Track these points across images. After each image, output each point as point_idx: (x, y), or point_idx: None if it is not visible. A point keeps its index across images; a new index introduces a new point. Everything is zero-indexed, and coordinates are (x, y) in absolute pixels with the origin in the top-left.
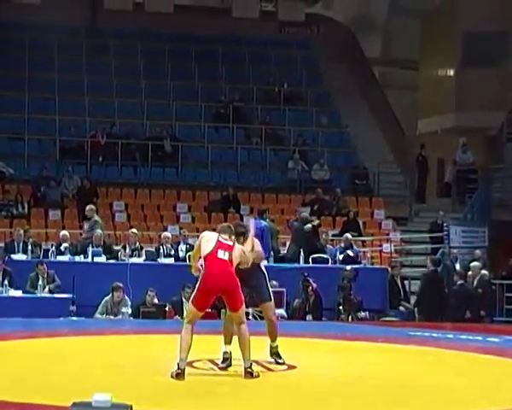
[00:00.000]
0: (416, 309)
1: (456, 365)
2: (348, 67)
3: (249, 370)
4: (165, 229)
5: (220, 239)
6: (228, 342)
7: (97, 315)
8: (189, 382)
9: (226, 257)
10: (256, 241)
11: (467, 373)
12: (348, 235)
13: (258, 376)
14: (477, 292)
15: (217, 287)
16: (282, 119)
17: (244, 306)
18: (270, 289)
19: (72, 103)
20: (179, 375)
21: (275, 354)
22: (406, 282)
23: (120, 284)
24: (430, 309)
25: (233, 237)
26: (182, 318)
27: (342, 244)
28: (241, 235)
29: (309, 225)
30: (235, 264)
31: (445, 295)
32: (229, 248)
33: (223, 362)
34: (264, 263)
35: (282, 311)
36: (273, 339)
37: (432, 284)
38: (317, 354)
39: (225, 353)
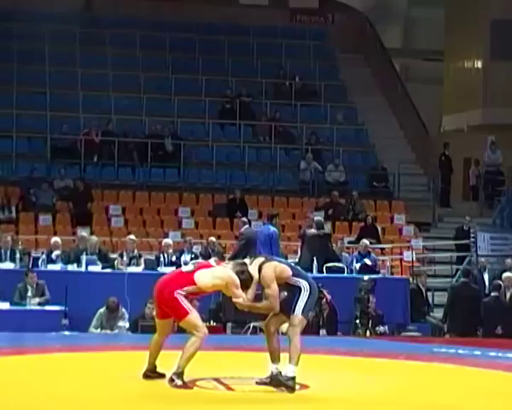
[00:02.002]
0: (445, 325)
1: (487, 384)
2: (366, 58)
3: (173, 376)
4: (166, 235)
5: (212, 263)
6: (273, 360)
7: (92, 329)
8: (191, 402)
9: (185, 269)
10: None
11: (499, 394)
12: (365, 241)
13: (184, 387)
14: (510, 306)
15: (154, 296)
16: (293, 115)
17: (190, 317)
18: (300, 304)
19: (64, 98)
20: (144, 375)
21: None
22: (429, 293)
23: (115, 300)
24: (463, 325)
25: (226, 264)
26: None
27: (359, 252)
28: (244, 282)
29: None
30: (201, 282)
31: (479, 310)
32: (200, 267)
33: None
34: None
35: None
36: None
37: (464, 297)
38: (332, 373)
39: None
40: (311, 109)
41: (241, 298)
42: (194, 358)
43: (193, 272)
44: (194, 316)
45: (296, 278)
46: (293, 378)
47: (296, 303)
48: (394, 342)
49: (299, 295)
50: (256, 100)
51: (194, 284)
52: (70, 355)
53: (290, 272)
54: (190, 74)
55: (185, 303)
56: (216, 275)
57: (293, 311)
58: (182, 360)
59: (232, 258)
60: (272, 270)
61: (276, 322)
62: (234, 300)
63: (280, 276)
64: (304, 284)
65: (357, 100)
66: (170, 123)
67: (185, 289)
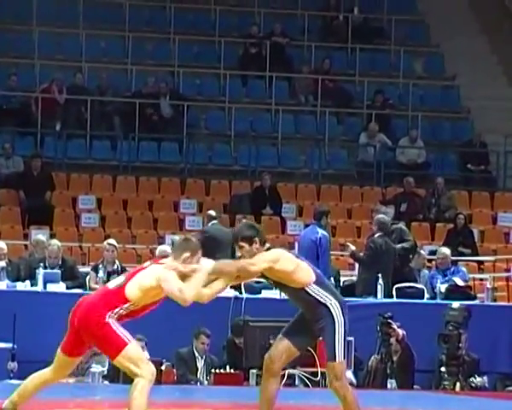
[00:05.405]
0: None
1: None
2: None
3: None
4: (162, 240)
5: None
6: None
7: None
8: None
9: (112, 285)
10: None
11: None
12: (445, 250)
13: None
14: None
15: (70, 322)
16: (349, 65)
17: (130, 348)
18: (340, 341)
19: (13, 37)
20: None
21: None
22: None
23: None
24: None
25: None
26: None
27: (444, 266)
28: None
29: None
30: (134, 295)
31: None
32: (131, 277)
33: None
34: (334, 304)
35: (348, 373)
36: None
37: None
38: None
39: None
40: (375, 56)
41: (186, 293)
42: None
43: (123, 286)
44: (134, 348)
45: (319, 289)
46: None
47: (334, 343)
48: (497, 401)
49: (334, 327)
50: (295, 42)
51: (127, 300)
52: None
53: (313, 278)
54: (198, 3)
55: (121, 331)
56: (142, 278)
57: (334, 356)
58: None
59: None
60: (277, 256)
61: (288, 356)
62: (177, 297)
63: (290, 274)
64: (333, 303)
65: (444, 43)
66: (168, 75)
67: (117, 311)
